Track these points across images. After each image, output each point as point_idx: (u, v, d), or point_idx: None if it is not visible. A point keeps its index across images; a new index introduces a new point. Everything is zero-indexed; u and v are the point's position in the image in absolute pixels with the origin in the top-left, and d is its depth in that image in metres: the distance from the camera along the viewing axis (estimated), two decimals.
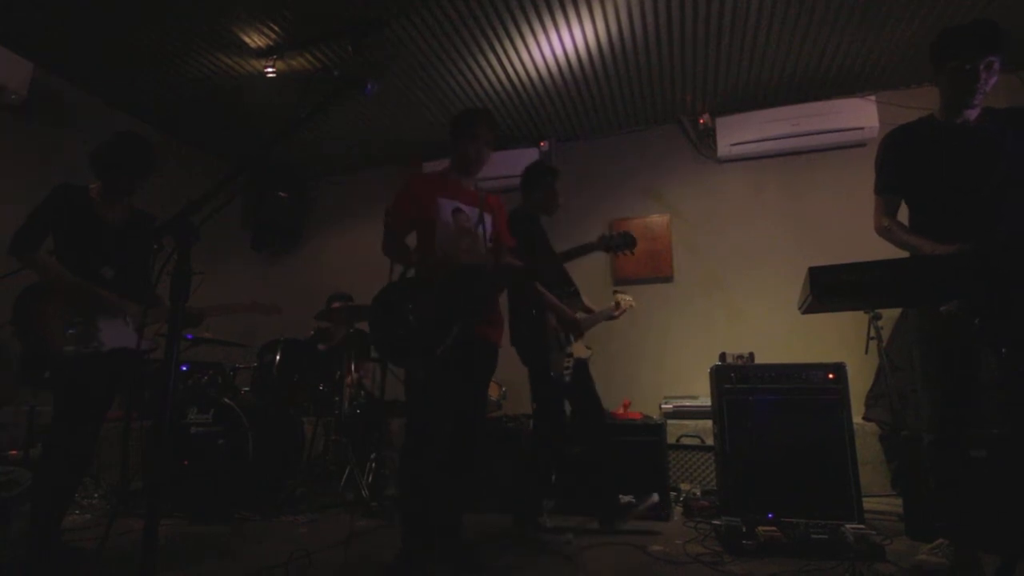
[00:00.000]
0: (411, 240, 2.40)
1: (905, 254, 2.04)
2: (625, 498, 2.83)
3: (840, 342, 3.75)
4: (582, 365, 2.94)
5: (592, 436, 2.89)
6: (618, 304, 3.23)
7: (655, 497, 2.84)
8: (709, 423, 3.14)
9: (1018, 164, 1.95)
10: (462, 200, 2.39)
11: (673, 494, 3.28)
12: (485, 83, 4.32)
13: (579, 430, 2.90)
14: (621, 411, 3.57)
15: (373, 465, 3.39)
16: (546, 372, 2.76)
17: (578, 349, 2.92)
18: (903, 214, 2.16)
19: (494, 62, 4.06)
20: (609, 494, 2.83)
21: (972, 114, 2.02)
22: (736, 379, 2.78)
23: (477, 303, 2.21)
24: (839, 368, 2.69)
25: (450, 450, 2.21)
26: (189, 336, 3.60)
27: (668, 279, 4.71)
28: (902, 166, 2.11)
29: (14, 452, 3.21)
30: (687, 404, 4.02)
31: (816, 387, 2.69)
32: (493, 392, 3.76)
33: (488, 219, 2.42)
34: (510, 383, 4.00)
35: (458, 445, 2.24)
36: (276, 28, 3.68)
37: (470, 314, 2.16)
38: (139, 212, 2.51)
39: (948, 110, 2.05)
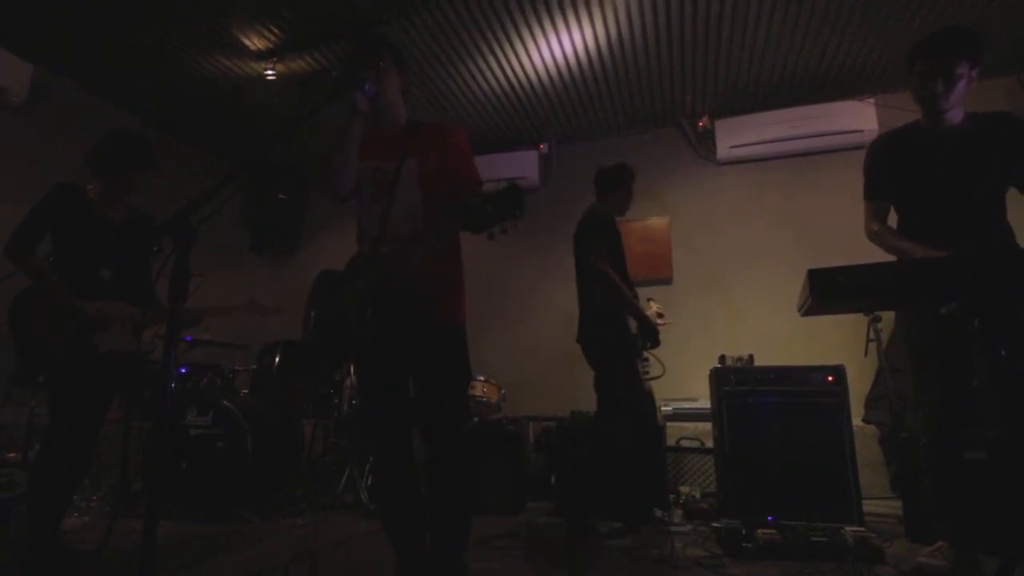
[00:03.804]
0: None
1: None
2: (658, 512, 2.85)
3: (840, 344, 3.74)
4: None
5: (642, 439, 2.88)
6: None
7: (687, 527, 2.84)
8: (708, 425, 3.13)
9: (1009, 168, 1.95)
10: (378, 155, 1.87)
11: (672, 497, 3.27)
12: (484, 85, 4.33)
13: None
14: None
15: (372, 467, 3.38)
16: (636, 375, 2.76)
17: None
18: (893, 219, 2.15)
19: (493, 64, 4.06)
20: (644, 503, 2.83)
21: (955, 117, 2.00)
22: (736, 381, 2.78)
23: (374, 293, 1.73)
24: (839, 370, 2.69)
25: (430, 447, 1.84)
26: (188, 338, 3.60)
27: (667, 281, 4.71)
28: (890, 171, 2.11)
29: (12, 454, 3.20)
30: (686, 406, 4.01)
31: (816, 389, 2.69)
32: (493, 394, 3.75)
33: (412, 164, 1.83)
34: (510, 384, 3.99)
35: (434, 441, 1.82)
36: (275, 30, 3.68)
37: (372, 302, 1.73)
38: (139, 211, 2.49)
39: (925, 116, 2.04)
